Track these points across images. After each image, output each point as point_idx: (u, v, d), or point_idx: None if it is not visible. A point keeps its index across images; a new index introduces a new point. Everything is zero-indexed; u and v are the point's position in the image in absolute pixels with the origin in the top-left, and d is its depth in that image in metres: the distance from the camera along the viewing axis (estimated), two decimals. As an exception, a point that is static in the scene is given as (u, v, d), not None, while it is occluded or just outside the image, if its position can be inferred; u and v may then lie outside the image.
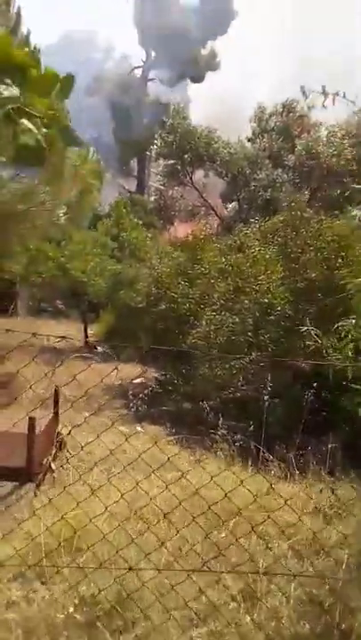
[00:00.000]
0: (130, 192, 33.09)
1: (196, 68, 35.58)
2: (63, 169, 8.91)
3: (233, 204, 22.65)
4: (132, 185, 37.14)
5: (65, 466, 6.39)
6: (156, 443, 4.70)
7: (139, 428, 8.68)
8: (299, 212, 9.03)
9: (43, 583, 3.49)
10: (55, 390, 6.68)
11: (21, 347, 15.48)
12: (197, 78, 36.80)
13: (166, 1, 35.55)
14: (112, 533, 3.61)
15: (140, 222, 15.95)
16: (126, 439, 4.03)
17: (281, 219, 10.84)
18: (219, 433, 6.99)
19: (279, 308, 9.20)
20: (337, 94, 4.15)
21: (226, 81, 39.18)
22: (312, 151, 15.88)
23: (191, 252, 11.49)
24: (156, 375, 12.95)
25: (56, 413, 6.64)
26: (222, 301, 9.68)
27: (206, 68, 36.37)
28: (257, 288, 9.13)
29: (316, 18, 43.06)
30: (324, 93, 4.23)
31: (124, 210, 15.91)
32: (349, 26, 39.80)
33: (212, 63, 36.45)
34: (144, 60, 37.71)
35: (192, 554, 3.63)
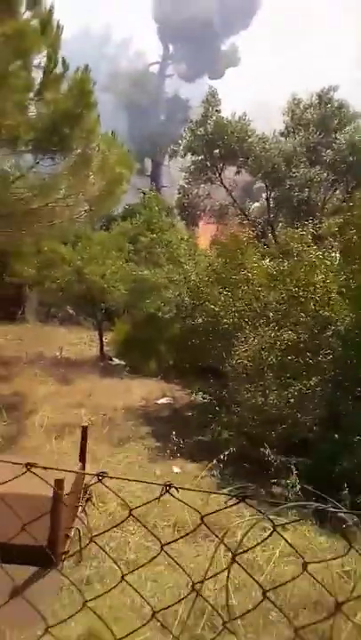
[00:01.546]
0: (143, 193, 31.63)
1: (215, 64, 34.14)
2: (91, 156, 7.48)
3: (256, 204, 21.10)
4: (145, 184, 35.70)
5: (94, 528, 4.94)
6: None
7: (176, 469, 7.18)
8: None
9: None
10: (83, 431, 5.20)
11: (32, 359, 13.65)
12: (216, 74, 35.37)
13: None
14: None
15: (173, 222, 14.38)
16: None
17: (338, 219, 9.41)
18: (290, 487, 5.52)
19: (340, 323, 7.74)
20: None
21: (247, 76, 37.75)
22: (356, 144, 14.28)
23: (230, 256, 9.99)
24: (181, 393, 11.51)
25: (83, 462, 5.16)
26: (272, 313, 8.21)
27: (227, 63, 34.95)
28: (316, 298, 7.66)
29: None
30: None
31: (156, 208, 14.30)
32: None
33: (232, 58, 35.05)
34: (161, 54, 36.43)
35: None
